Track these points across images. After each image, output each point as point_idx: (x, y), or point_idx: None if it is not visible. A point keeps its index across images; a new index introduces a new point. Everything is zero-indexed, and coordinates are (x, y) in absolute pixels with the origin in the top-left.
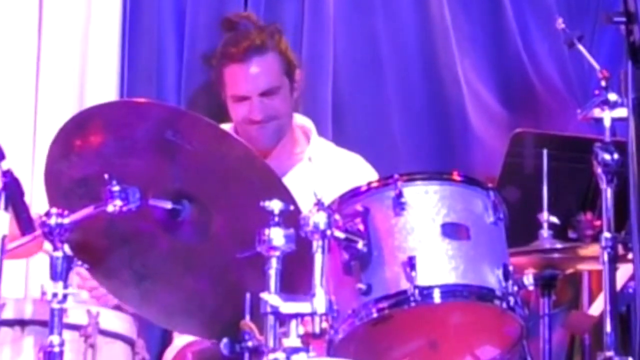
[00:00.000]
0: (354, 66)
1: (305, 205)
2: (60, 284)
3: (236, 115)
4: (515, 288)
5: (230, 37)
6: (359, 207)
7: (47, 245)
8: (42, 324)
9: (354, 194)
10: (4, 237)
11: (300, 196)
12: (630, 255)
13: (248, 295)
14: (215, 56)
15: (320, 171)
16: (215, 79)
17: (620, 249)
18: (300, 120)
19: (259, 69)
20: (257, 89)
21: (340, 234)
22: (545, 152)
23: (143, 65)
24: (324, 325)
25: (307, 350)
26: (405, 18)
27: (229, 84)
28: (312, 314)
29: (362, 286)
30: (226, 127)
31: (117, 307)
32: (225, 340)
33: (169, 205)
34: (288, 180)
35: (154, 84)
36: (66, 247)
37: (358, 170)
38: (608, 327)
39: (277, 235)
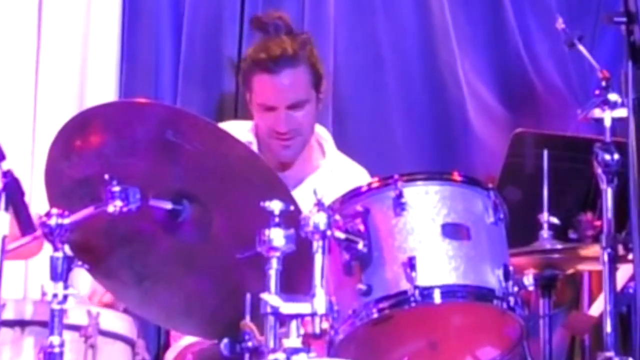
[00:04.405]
0: (355, 67)
1: None
2: (61, 284)
3: (261, 124)
4: (516, 288)
5: (261, 43)
6: (359, 208)
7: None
8: (42, 324)
9: (355, 194)
10: (4, 237)
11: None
12: (630, 256)
13: (248, 296)
14: (245, 60)
15: (336, 182)
16: (242, 82)
17: (621, 249)
18: (316, 128)
19: (289, 81)
20: (285, 102)
21: (340, 235)
22: (545, 152)
23: (141, 65)
24: (325, 325)
25: (307, 351)
26: (405, 18)
27: (256, 92)
28: (313, 315)
29: (362, 287)
30: (245, 125)
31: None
32: (225, 340)
33: (169, 205)
34: (305, 189)
35: (152, 83)
36: (66, 248)
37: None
38: (608, 328)
39: (277, 236)
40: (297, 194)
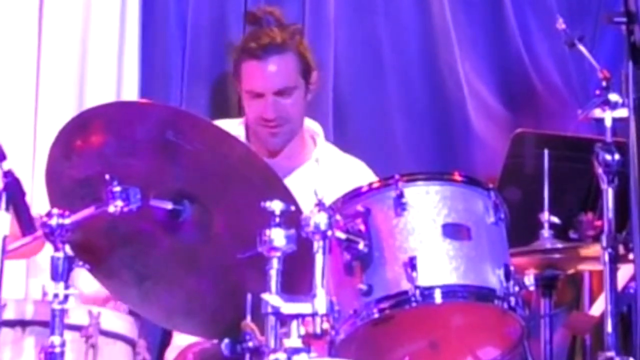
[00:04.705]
0: (355, 67)
1: (309, 204)
2: (62, 284)
3: (249, 112)
4: (516, 288)
5: (251, 33)
6: (360, 208)
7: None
8: (43, 324)
9: (355, 194)
10: (5, 237)
11: (305, 196)
12: (631, 256)
13: (249, 296)
14: (236, 49)
15: (326, 173)
16: (233, 72)
17: (621, 249)
18: (309, 123)
19: (277, 67)
20: (272, 87)
21: (341, 235)
22: (546, 152)
23: (149, 67)
24: (325, 325)
25: (308, 351)
26: (406, 19)
27: (245, 79)
28: (313, 315)
29: (363, 287)
30: (236, 121)
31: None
32: (226, 340)
33: (169, 205)
34: (293, 180)
35: (163, 85)
36: (67, 248)
37: (361, 176)
38: (609, 328)
39: (278, 236)
40: (287, 184)
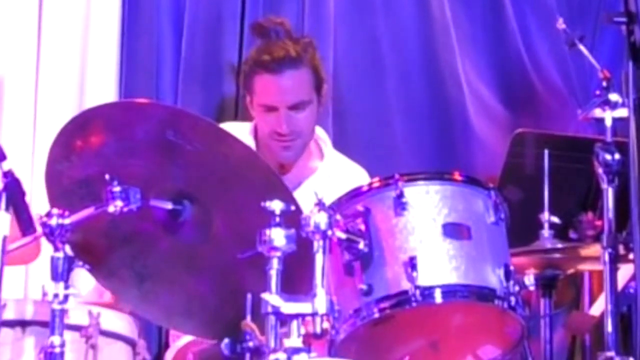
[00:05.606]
0: (355, 67)
1: None
2: (61, 284)
3: (262, 125)
4: (517, 288)
5: (264, 45)
6: (360, 207)
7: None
8: (43, 324)
9: (355, 194)
10: (5, 237)
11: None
12: (631, 256)
13: (249, 296)
14: (247, 62)
15: (334, 184)
16: (243, 84)
17: (622, 249)
18: (316, 130)
19: (291, 82)
20: (287, 102)
21: (341, 234)
22: (546, 152)
23: (142, 66)
24: (325, 325)
25: (308, 351)
26: (406, 18)
27: (258, 92)
28: (313, 314)
29: (363, 286)
30: (245, 126)
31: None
32: (226, 340)
33: (169, 205)
34: (302, 192)
35: (152, 84)
36: (67, 248)
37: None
38: (609, 327)
39: (278, 236)
40: (296, 196)
